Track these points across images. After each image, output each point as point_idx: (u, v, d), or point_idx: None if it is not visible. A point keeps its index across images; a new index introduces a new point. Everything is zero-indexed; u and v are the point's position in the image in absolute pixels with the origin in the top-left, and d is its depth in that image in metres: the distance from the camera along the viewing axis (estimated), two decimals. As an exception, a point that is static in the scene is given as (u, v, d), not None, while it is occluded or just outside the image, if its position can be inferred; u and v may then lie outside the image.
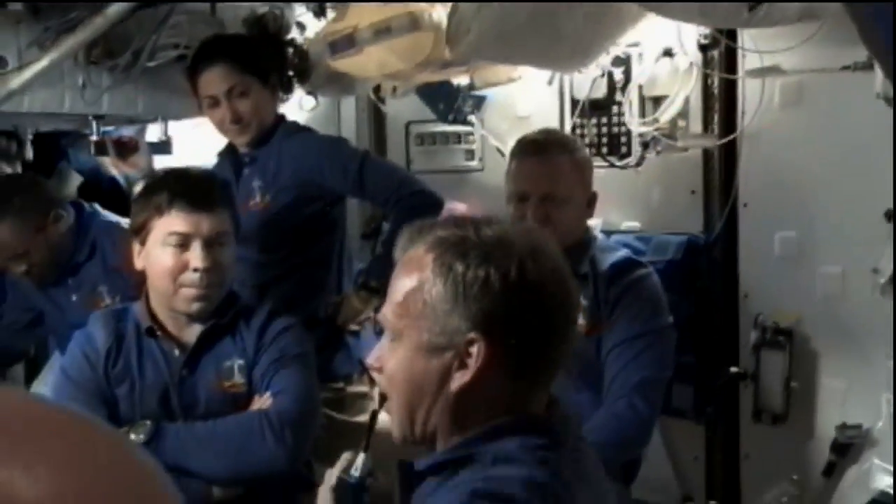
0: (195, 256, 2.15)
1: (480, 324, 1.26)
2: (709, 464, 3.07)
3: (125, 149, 3.28)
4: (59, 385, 2.26)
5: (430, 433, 1.35)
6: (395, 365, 1.35)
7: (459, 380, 1.29)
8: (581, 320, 2.32)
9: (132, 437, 2.10)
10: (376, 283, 2.73)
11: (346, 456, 1.57)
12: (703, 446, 3.08)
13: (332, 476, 1.54)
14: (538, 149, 2.51)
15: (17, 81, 2.53)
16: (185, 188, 2.18)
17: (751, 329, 2.88)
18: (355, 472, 1.53)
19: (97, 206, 3.11)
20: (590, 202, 2.54)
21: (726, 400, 2.98)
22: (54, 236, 2.97)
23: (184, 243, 2.16)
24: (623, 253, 2.55)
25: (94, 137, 3.15)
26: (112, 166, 3.40)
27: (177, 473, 2.09)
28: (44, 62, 2.51)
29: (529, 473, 1.23)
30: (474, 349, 1.27)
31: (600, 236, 2.61)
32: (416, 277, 1.31)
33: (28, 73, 2.51)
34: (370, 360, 1.40)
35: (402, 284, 1.33)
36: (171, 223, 2.16)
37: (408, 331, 1.32)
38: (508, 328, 1.27)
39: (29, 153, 3.43)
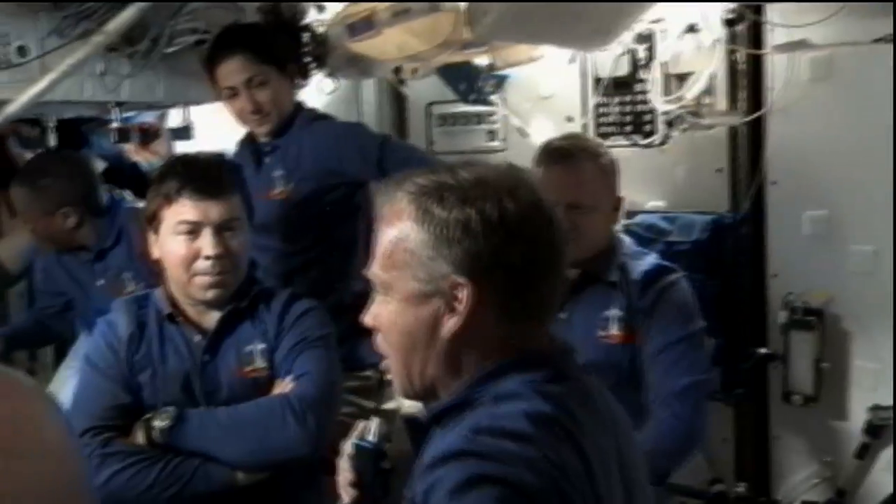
0: (206, 244, 2.14)
1: (465, 266, 1.24)
2: (738, 445, 3.05)
3: (147, 135, 3.28)
4: (84, 373, 2.26)
5: (429, 383, 1.33)
6: (387, 319, 1.33)
7: (450, 325, 1.27)
8: (615, 330, 2.36)
9: (156, 423, 2.11)
10: None
11: (360, 424, 1.56)
12: (732, 428, 3.05)
13: (348, 445, 1.54)
14: (563, 156, 2.46)
15: (45, 81, 2.53)
16: (193, 176, 2.15)
17: (779, 309, 2.84)
18: (371, 437, 1.53)
19: (125, 193, 3.13)
20: (616, 207, 2.50)
21: (755, 381, 2.94)
22: (57, 227, 3.06)
23: (194, 231, 2.14)
24: (652, 259, 2.51)
25: (115, 124, 3.15)
26: (133, 153, 3.41)
27: (201, 459, 2.10)
28: (70, 60, 2.50)
29: (532, 406, 1.21)
30: (461, 293, 1.25)
31: (627, 240, 2.57)
32: (396, 228, 1.29)
33: (45, 82, 2.51)
34: (366, 318, 1.38)
35: (385, 236, 1.31)
36: (181, 211, 2.14)
37: (395, 282, 1.30)
38: (493, 268, 1.25)
39: (52, 140, 3.44)
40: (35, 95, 2.50)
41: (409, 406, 1.47)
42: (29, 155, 3.41)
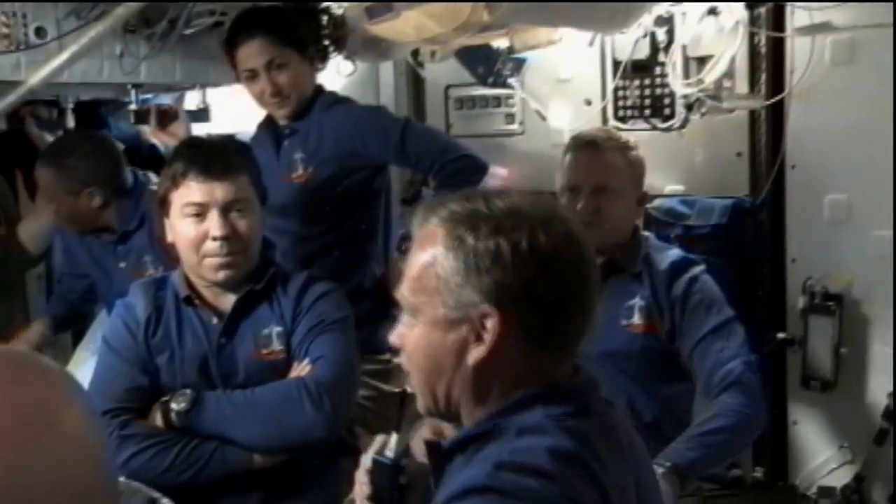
0: (213, 225, 2.13)
1: (494, 296, 1.24)
2: (756, 431, 3.03)
3: (164, 117, 3.27)
4: (102, 355, 2.28)
5: (453, 407, 1.34)
6: (413, 341, 1.34)
7: (476, 353, 1.27)
8: (638, 319, 2.41)
9: (173, 405, 2.12)
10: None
11: (379, 438, 1.57)
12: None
13: (367, 459, 1.54)
14: (592, 143, 2.53)
15: (59, 59, 2.53)
16: (198, 157, 2.15)
17: (798, 294, 2.82)
18: (389, 452, 1.53)
19: (151, 175, 3.13)
20: (640, 201, 2.55)
21: (774, 366, 2.93)
22: (82, 207, 3.05)
23: (201, 213, 2.14)
24: (677, 251, 2.55)
25: (133, 106, 3.16)
26: (151, 135, 3.41)
27: (219, 441, 2.11)
28: (84, 40, 2.51)
29: (555, 442, 1.21)
30: (489, 322, 1.25)
31: (650, 235, 2.61)
32: (428, 252, 1.30)
33: (66, 55, 2.51)
34: (392, 338, 1.39)
35: (416, 260, 1.32)
36: (187, 193, 2.14)
37: (423, 306, 1.31)
38: (522, 299, 1.25)
39: (70, 122, 3.45)
40: (52, 71, 2.51)
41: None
42: (48, 136, 3.41)
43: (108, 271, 3.17)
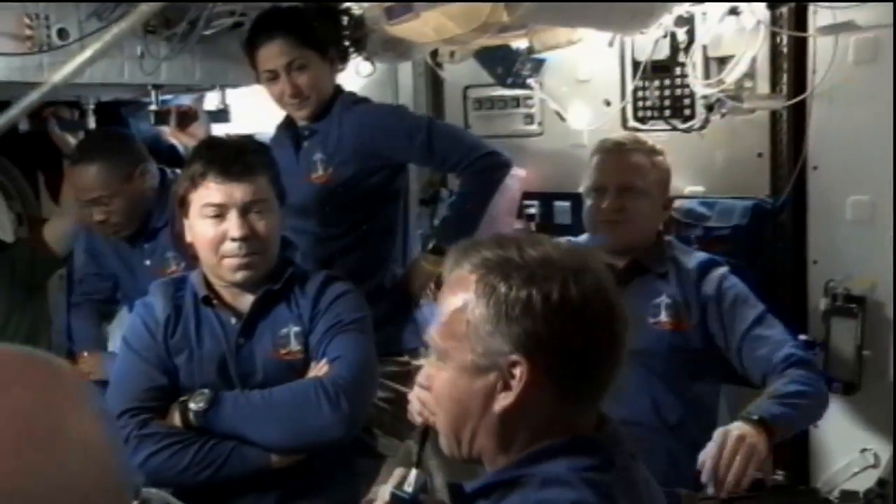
0: (232, 226, 2.14)
1: (523, 345, 1.25)
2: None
3: (184, 117, 3.29)
4: (122, 355, 2.29)
5: (476, 453, 1.35)
6: (440, 385, 1.35)
7: (503, 401, 1.28)
8: (666, 317, 2.46)
9: (191, 405, 2.12)
10: (446, 245, 2.73)
11: (398, 472, 1.57)
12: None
13: (385, 492, 1.54)
14: (619, 146, 2.61)
15: (81, 58, 2.54)
16: (216, 158, 2.16)
17: (820, 296, 2.79)
18: (408, 487, 1.53)
19: (179, 172, 3.15)
20: (665, 206, 2.60)
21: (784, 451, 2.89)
22: (138, 191, 3.07)
23: (220, 213, 2.15)
24: (701, 253, 2.61)
25: (153, 107, 3.17)
26: (171, 135, 3.42)
27: (236, 441, 2.12)
28: (107, 37, 2.52)
29: (578, 496, 1.22)
30: (517, 371, 1.26)
31: (673, 238, 2.67)
32: (460, 298, 1.31)
33: (88, 53, 2.52)
34: (419, 378, 1.42)
35: (447, 305, 1.33)
36: (206, 194, 2.15)
37: (452, 351, 1.32)
38: (551, 350, 1.26)
39: (91, 122, 3.47)
40: (74, 70, 2.52)
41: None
42: (69, 137, 3.43)
43: (133, 269, 3.19)
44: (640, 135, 2.85)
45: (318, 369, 2.17)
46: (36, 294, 3.67)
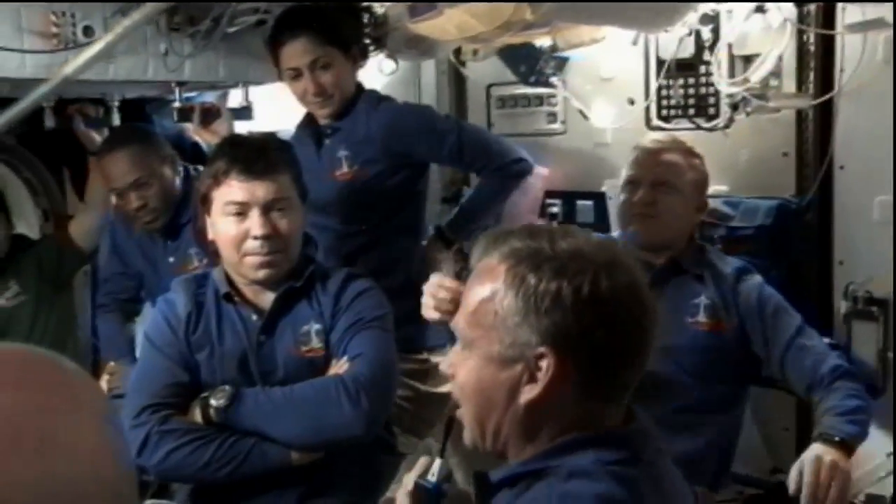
0: (254, 224, 2.14)
1: (551, 338, 1.24)
2: (800, 435, 2.97)
3: (208, 114, 3.30)
4: (144, 351, 2.30)
5: (501, 444, 1.33)
6: (465, 374, 1.34)
7: (528, 393, 1.27)
8: (704, 317, 2.47)
9: (212, 402, 2.12)
10: (451, 234, 2.89)
11: (422, 461, 1.57)
12: (793, 417, 2.98)
13: (409, 481, 1.54)
14: (657, 143, 2.64)
15: (94, 49, 2.56)
16: (239, 156, 2.16)
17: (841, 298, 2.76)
18: (432, 477, 1.53)
19: (201, 169, 3.18)
20: (699, 208, 2.61)
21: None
22: (170, 178, 3.13)
23: (242, 212, 2.15)
24: (736, 259, 2.63)
25: (177, 104, 3.19)
26: (194, 133, 3.44)
27: (257, 438, 2.12)
28: (118, 29, 2.54)
29: (605, 489, 1.20)
30: (544, 363, 1.25)
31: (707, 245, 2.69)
32: (488, 288, 1.29)
33: (100, 45, 2.55)
34: (443, 366, 1.40)
35: (475, 294, 1.32)
36: (228, 192, 2.15)
37: (479, 341, 1.30)
38: (579, 343, 1.24)
39: (116, 119, 3.50)
40: (87, 61, 2.54)
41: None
42: (95, 134, 3.45)
43: (157, 266, 3.22)
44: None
45: (339, 367, 2.17)
46: (63, 291, 3.70)
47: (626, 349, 1.27)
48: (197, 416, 2.14)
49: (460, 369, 1.35)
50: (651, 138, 2.72)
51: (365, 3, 3.04)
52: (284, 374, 2.19)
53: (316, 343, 2.22)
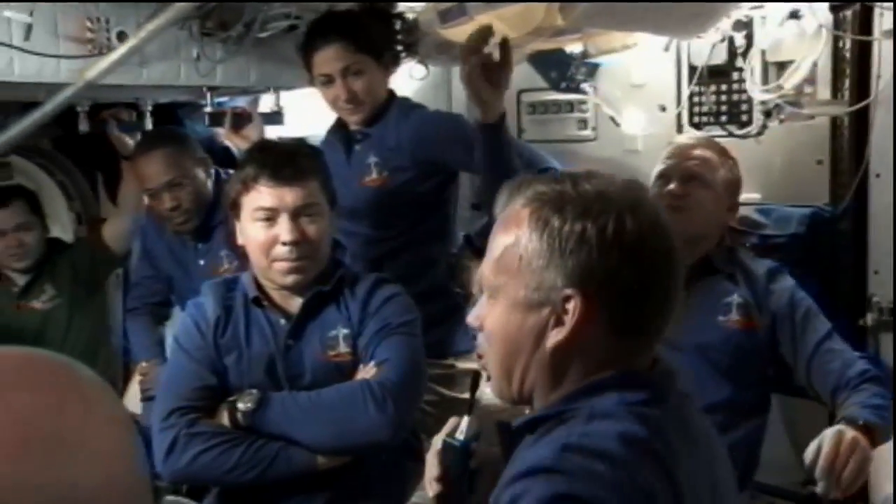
0: (283, 230, 2.14)
1: (577, 280, 1.21)
2: (833, 447, 2.93)
3: (239, 119, 3.33)
4: (173, 354, 2.31)
5: (527, 391, 1.31)
6: (492, 322, 1.31)
7: (555, 337, 1.24)
8: (737, 316, 2.46)
9: (240, 405, 2.13)
10: (481, 242, 2.77)
11: (451, 420, 1.56)
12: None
13: (437, 441, 1.53)
14: (693, 141, 2.66)
15: (118, 53, 2.59)
16: (268, 162, 2.16)
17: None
18: (460, 435, 1.52)
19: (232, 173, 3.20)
20: (731, 208, 2.60)
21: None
22: (203, 180, 3.17)
23: (271, 217, 2.16)
24: (767, 260, 2.61)
25: (208, 109, 3.21)
26: (225, 137, 3.47)
27: (283, 442, 2.12)
28: (142, 33, 2.56)
29: (627, 428, 1.18)
30: (570, 305, 1.22)
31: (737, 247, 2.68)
32: (512, 233, 1.27)
33: (124, 49, 2.57)
34: (470, 318, 1.37)
35: (500, 241, 1.30)
36: (257, 198, 2.16)
37: (504, 287, 1.28)
38: (606, 284, 1.22)
39: (148, 124, 3.53)
40: (111, 64, 2.57)
41: (489, 399, 1.46)
42: (127, 139, 3.49)
43: (187, 269, 3.24)
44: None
45: (366, 372, 2.17)
46: (96, 294, 3.74)
47: (652, 288, 1.25)
48: (224, 419, 2.15)
49: (487, 319, 1.32)
50: (686, 136, 2.73)
51: (398, 10, 3.04)
52: (312, 379, 2.20)
53: (343, 348, 2.22)
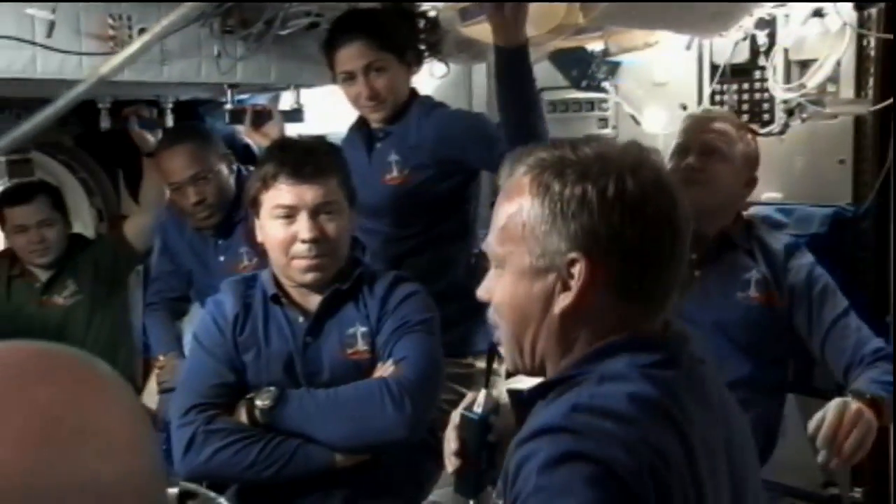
0: (302, 227, 2.14)
1: (581, 243, 1.21)
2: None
3: (259, 117, 3.34)
4: (193, 351, 2.32)
5: (539, 360, 1.30)
6: (500, 293, 1.31)
7: (563, 302, 1.24)
8: (756, 292, 2.46)
9: (258, 402, 2.14)
10: None
11: (469, 395, 1.56)
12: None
13: (455, 415, 1.53)
14: (710, 114, 2.66)
15: (131, 49, 2.60)
16: (288, 160, 2.16)
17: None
18: (478, 408, 1.52)
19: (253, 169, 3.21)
20: (748, 183, 2.57)
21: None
22: (226, 174, 3.18)
23: (290, 215, 2.16)
24: (786, 235, 2.61)
25: (229, 106, 3.22)
26: (245, 135, 3.48)
27: (301, 439, 2.13)
28: (156, 29, 2.57)
29: (637, 389, 1.18)
30: (575, 269, 1.21)
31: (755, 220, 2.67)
32: (515, 202, 1.27)
33: (137, 45, 2.58)
34: (480, 291, 1.36)
35: (503, 210, 1.29)
36: (277, 196, 2.16)
37: (510, 257, 1.28)
38: (610, 246, 1.21)
39: (169, 121, 3.54)
40: (125, 60, 2.58)
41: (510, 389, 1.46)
42: (149, 136, 3.51)
43: (207, 265, 3.25)
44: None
45: (384, 370, 2.17)
46: (117, 290, 3.77)
47: (659, 249, 1.24)
48: (242, 416, 2.15)
49: (495, 290, 1.32)
50: (703, 109, 2.72)
51: (420, 8, 3.03)
52: (330, 377, 2.20)
53: (362, 346, 2.22)
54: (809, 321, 2.42)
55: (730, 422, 1.31)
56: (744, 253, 2.51)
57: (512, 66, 2.41)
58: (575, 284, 1.22)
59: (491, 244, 1.32)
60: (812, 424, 2.07)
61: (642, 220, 1.22)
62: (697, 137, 2.52)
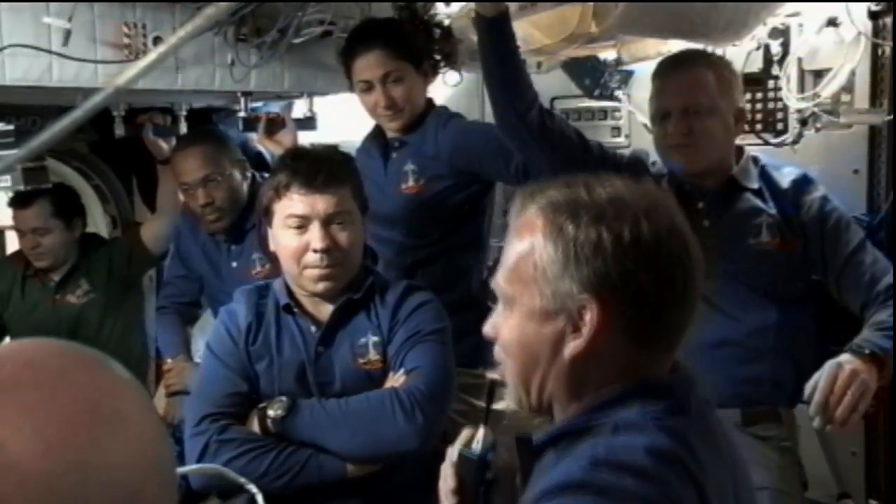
0: (314, 237, 2.15)
1: (593, 287, 1.20)
2: (868, 459, 2.89)
3: (272, 125, 3.35)
4: (206, 360, 2.33)
5: (546, 401, 1.30)
6: (508, 332, 1.30)
7: (573, 346, 1.23)
8: (768, 237, 2.40)
9: (270, 412, 2.14)
10: None
11: (466, 431, 1.55)
12: (862, 440, 2.90)
13: (453, 452, 1.52)
14: (677, 63, 2.50)
15: (148, 59, 2.60)
16: (300, 169, 2.17)
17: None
18: (476, 446, 1.51)
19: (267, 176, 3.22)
20: (738, 118, 2.48)
21: (889, 391, 2.79)
22: (238, 179, 3.19)
23: (303, 224, 2.16)
24: (792, 168, 2.53)
25: (242, 114, 3.23)
26: (258, 143, 3.49)
27: (313, 449, 2.13)
28: (172, 39, 2.58)
29: (653, 441, 1.17)
30: (587, 314, 1.21)
31: (762, 156, 2.58)
32: (527, 241, 1.26)
33: (153, 56, 2.59)
34: (486, 328, 1.36)
35: (514, 249, 1.28)
36: (289, 205, 2.16)
37: (520, 297, 1.27)
38: (623, 291, 1.20)
39: (183, 128, 3.56)
40: (141, 71, 2.57)
41: (514, 410, 1.44)
42: (162, 143, 3.52)
43: (219, 271, 3.26)
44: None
45: (396, 380, 2.17)
46: (131, 292, 3.78)
47: (670, 293, 1.23)
48: (255, 426, 2.16)
49: (503, 329, 1.31)
50: (670, 56, 2.59)
51: (437, 18, 3.03)
52: (342, 386, 2.20)
53: (373, 355, 2.22)
54: (824, 258, 2.38)
55: (736, 464, 1.32)
56: (752, 195, 2.44)
57: (488, 36, 2.32)
58: (586, 329, 1.22)
59: (500, 282, 1.31)
60: (807, 390, 2.05)
61: (656, 266, 1.21)
62: (675, 100, 2.41)
